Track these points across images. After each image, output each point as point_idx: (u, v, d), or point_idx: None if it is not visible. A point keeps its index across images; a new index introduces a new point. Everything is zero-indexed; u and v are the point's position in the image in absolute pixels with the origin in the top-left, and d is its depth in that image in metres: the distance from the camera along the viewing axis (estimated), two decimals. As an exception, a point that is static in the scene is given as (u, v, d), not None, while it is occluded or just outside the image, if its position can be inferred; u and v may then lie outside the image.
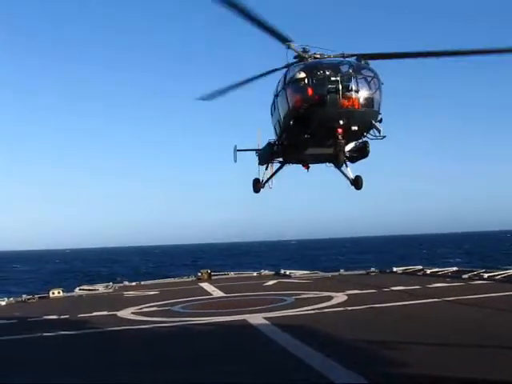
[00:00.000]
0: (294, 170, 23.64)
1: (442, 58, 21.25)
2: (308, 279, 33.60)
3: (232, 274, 39.89)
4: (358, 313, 19.03)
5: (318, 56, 19.99)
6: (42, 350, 15.97)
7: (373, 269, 35.68)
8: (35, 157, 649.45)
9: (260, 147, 24.91)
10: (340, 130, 18.38)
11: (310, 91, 18.92)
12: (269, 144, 22.53)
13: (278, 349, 13.82)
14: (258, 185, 23.77)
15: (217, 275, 38.55)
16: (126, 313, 21.85)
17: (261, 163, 23.78)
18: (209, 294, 28.30)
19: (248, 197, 24.31)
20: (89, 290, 32.96)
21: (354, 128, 18.43)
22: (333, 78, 18.41)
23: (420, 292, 23.56)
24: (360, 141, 20.36)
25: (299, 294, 24.67)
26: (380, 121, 19.01)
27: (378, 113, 18.93)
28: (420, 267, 35.27)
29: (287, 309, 20.53)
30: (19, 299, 29.68)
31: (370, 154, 21.18)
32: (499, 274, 27.86)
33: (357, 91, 18.37)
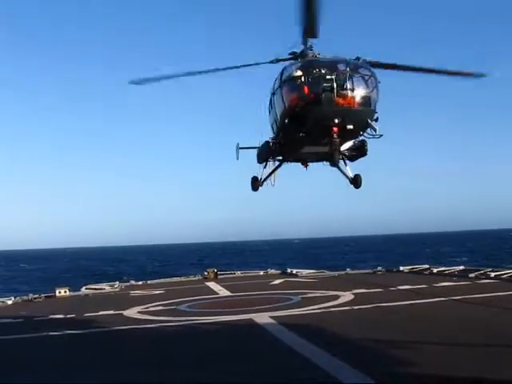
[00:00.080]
0: (294, 170, 23.65)
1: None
2: (314, 278, 33.58)
3: (238, 273, 39.84)
4: (364, 312, 18.99)
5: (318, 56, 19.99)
6: (49, 349, 16.00)
7: (379, 268, 35.60)
8: (35, 157, 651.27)
9: None
10: (335, 129, 18.33)
11: (305, 89, 18.88)
12: (266, 142, 22.56)
13: (285, 348, 13.81)
14: (256, 183, 23.78)
15: (223, 274, 38.55)
16: (132, 312, 21.88)
17: (259, 161, 23.80)
18: (215, 293, 28.30)
19: (250, 195, 24.31)
20: (95, 289, 33.03)
21: (350, 127, 18.37)
22: (328, 77, 18.34)
23: (427, 291, 23.49)
24: (358, 139, 20.33)
25: (306, 293, 24.64)
26: (376, 120, 18.94)
27: (375, 112, 18.85)
28: (426, 266, 35.18)
29: (294, 308, 20.52)
30: (26, 298, 29.77)
31: (368, 153, 21.19)
32: (506, 273, 27.76)
33: (353, 90, 18.29)
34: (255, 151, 24.35)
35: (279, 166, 23.51)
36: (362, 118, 18.51)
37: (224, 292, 28.24)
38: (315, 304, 20.88)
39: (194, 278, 37.77)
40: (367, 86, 18.73)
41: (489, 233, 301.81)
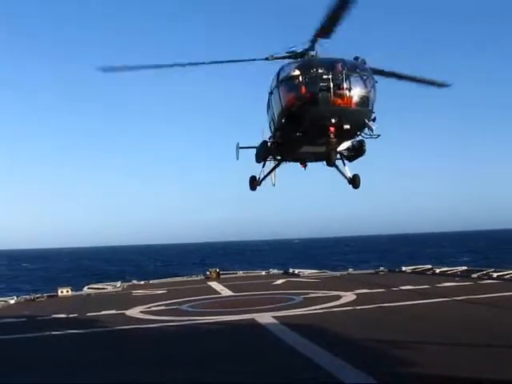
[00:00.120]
0: (295, 169, 23.64)
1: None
2: (316, 278, 33.57)
3: (240, 273, 39.87)
4: (366, 312, 18.99)
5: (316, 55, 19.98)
6: (51, 348, 16.02)
7: (382, 268, 35.60)
8: (35, 157, 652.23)
9: None
10: (332, 129, 18.31)
11: (302, 89, 18.87)
12: (264, 142, 22.56)
13: (287, 348, 13.81)
14: (254, 182, 23.79)
15: (225, 274, 38.56)
16: (134, 312, 21.89)
17: (257, 161, 23.82)
18: (217, 292, 28.31)
19: (251, 195, 24.36)
20: (97, 288, 33.08)
21: (346, 127, 18.34)
22: (325, 76, 18.33)
23: (429, 291, 23.47)
24: (356, 139, 20.32)
25: (308, 293, 24.64)
26: (374, 120, 18.93)
27: (372, 112, 18.82)
28: (429, 266, 35.17)
29: (296, 308, 20.52)
30: (28, 298, 29.83)
31: (366, 153, 21.19)
32: (508, 273, 27.73)
33: (350, 90, 18.27)
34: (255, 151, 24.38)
35: (277, 165, 23.53)
36: (359, 118, 18.48)
37: (226, 292, 28.25)
38: (317, 304, 20.88)
39: (196, 278, 37.81)
40: (364, 86, 18.71)
41: (491, 233, 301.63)
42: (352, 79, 18.51)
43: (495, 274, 27.94)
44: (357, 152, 21.30)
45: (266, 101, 22.06)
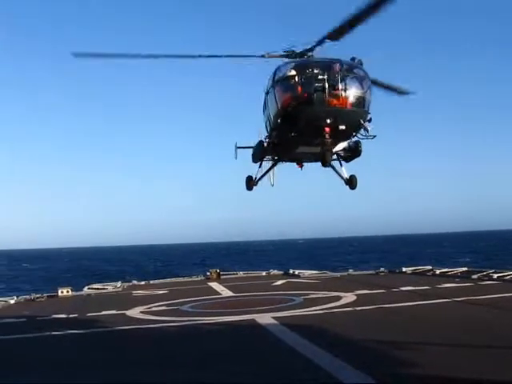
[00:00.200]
0: (299, 169, 23.61)
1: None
2: (317, 279, 33.55)
3: (241, 274, 39.87)
4: (367, 313, 18.99)
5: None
6: (51, 349, 16.02)
7: (382, 269, 35.59)
8: (35, 157, 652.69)
9: None
10: (327, 129, 18.32)
11: (297, 89, 18.87)
12: (260, 142, 22.57)
13: (287, 348, 13.82)
14: (250, 182, 23.80)
15: (226, 275, 38.57)
16: (134, 312, 21.90)
17: (254, 161, 23.82)
18: (218, 293, 28.31)
19: (254, 195, 24.32)
20: (97, 288, 33.07)
21: (342, 127, 18.34)
22: (321, 77, 18.32)
23: (430, 292, 23.47)
24: (352, 140, 20.31)
25: (308, 294, 24.64)
26: (370, 120, 18.91)
27: (367, 112, 18.81)
28: (429, 267, 35.16)
29: (296, 309, 20.52)
30: (28, 298, 29.83)
31: (362, 154, 21.19)
32: (509, 274, 27.74)
33: (345, 90, 18.26)
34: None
35: (273, 165, 23.56)
36: (355, 118, 18.48)
37: (226, 292, 28.26)
38: (317, 305, 20.88)
39: (196, 279, 37.83)
40: (360, 87, 18.70)
41: (492, 233, 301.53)
42: (348, 80, 18.48)
43: (495, 275, 27.91)
44: (353, 153, 21.32)
45: (263, 101, 22.08)
